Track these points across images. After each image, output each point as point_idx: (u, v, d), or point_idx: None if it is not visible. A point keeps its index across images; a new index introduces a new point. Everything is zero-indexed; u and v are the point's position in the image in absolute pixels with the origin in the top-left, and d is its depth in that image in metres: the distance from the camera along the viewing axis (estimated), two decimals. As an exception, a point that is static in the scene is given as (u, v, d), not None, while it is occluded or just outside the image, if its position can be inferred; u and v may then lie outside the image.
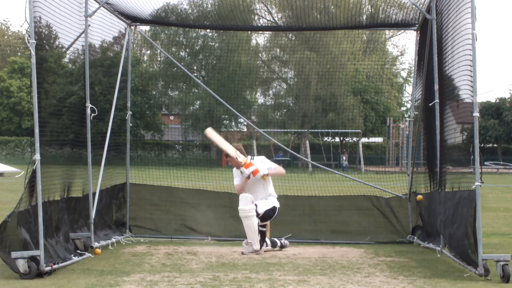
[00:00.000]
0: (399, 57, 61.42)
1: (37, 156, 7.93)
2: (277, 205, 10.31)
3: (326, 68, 34.86)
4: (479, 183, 7.93)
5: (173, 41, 41.99)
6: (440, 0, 10.02)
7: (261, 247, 10.02)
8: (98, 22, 10.51)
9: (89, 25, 10.01)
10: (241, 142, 52.20)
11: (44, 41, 9.00)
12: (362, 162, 47.56)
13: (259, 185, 10.22)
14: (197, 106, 47.81)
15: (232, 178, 10.43)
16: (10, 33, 77.40)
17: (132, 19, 11.75)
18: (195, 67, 47.80)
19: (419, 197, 10.90)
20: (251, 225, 9.96)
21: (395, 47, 59.11)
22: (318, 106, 43.73)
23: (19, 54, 66.08)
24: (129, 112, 12.04)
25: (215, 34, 44.75)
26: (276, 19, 45.34)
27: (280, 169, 10.41)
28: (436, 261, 9.33)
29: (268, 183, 10.31)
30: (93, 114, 9.95)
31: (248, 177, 10.14)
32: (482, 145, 56.95)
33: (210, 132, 10.36)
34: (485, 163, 51.01)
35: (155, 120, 51.12)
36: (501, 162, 55.18)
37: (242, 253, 9.90)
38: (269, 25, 46.30)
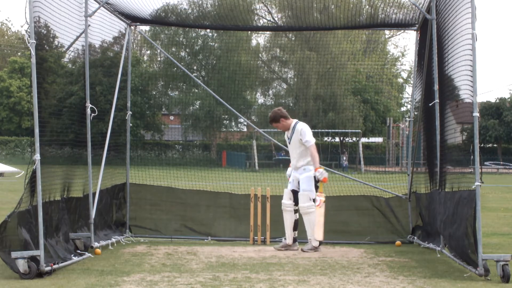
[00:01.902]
0: (400, 58, 61.48)
1: (37, 156, 7.93)
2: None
3: (326, 68, 34.84)
4: (479, 183, 7.93)
5: (173, 41, 42.01)
6: (440, 0, 10.02)
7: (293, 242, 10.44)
8: (98, 22, 10.50)
9: (89, 25, 10.00)
10: (242, 141, 52.24)
11: (44, 41, 8.99)
12: (362, 162, 47.54)
13: (301, 150, 10.52)
14: (197, 106, 47.79)
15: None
16: (10, 33, 77.32)
17: (132, 19, 11.75)
18: (195, 67, 47.80)
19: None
20: (289, 219, 10.47)
21: (396, 48, 59.15)
22: (318, 106, 43.70)
23: (19, 54, 66.03)
24: (129, 112, 12.04)
25: (215, 34, 44.75)
26: (276, 19, 45.36)
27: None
28: (436, 261, 9.33)
29: (308, 152, 10.54)
30: (93, 114, 9.96)
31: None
32: (482, 145, 56.95)
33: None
34: (485, 163, 50.98)
35: (155, 120, 51.07)
36: (501, 162, 55.18)
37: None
38: (269, 25, 46.35)
